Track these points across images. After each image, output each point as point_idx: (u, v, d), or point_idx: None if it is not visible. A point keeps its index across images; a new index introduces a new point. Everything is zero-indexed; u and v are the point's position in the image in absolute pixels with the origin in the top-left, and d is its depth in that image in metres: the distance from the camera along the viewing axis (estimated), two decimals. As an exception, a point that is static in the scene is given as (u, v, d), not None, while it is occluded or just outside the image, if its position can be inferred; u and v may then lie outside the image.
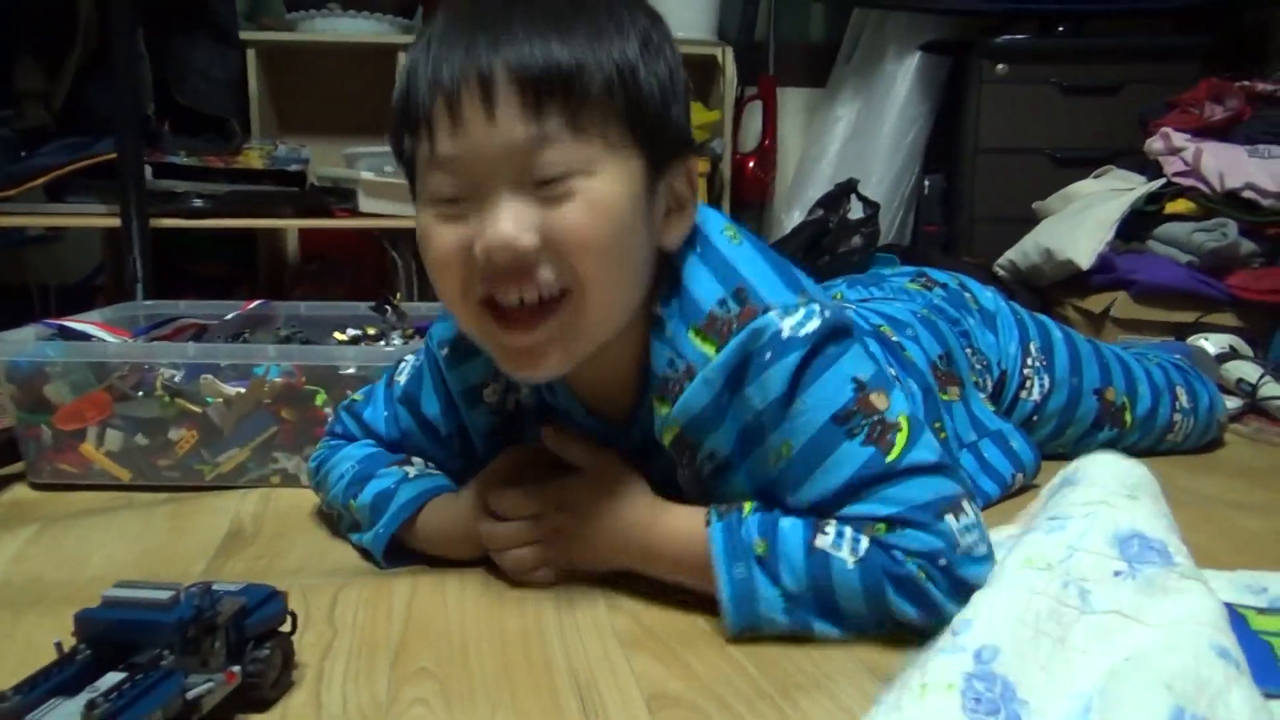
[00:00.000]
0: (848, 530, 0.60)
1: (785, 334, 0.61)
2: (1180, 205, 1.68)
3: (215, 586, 0.53)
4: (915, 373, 0.86)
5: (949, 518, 0.59)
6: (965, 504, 0.61)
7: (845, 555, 0.59)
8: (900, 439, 0.61)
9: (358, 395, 0.84)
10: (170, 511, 0.89)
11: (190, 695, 0.48)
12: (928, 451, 0.62)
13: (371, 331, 1.15)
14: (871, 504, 0.60)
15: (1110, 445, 1.02)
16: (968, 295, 1.02)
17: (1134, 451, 1.05)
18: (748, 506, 0.64)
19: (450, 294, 0.62)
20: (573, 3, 0.59)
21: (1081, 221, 1.71)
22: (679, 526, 0.66)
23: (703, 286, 0.64)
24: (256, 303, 1.19)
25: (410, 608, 0.66)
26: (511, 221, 0.57)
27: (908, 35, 2.27)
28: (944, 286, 1.03)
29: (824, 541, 0.60)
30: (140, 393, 0.94)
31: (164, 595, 0.50)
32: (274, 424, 0.95)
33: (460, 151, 0.58)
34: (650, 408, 0.68)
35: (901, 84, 2.26)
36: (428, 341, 0.78)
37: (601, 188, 0.58)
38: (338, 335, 1.14)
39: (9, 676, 0.47)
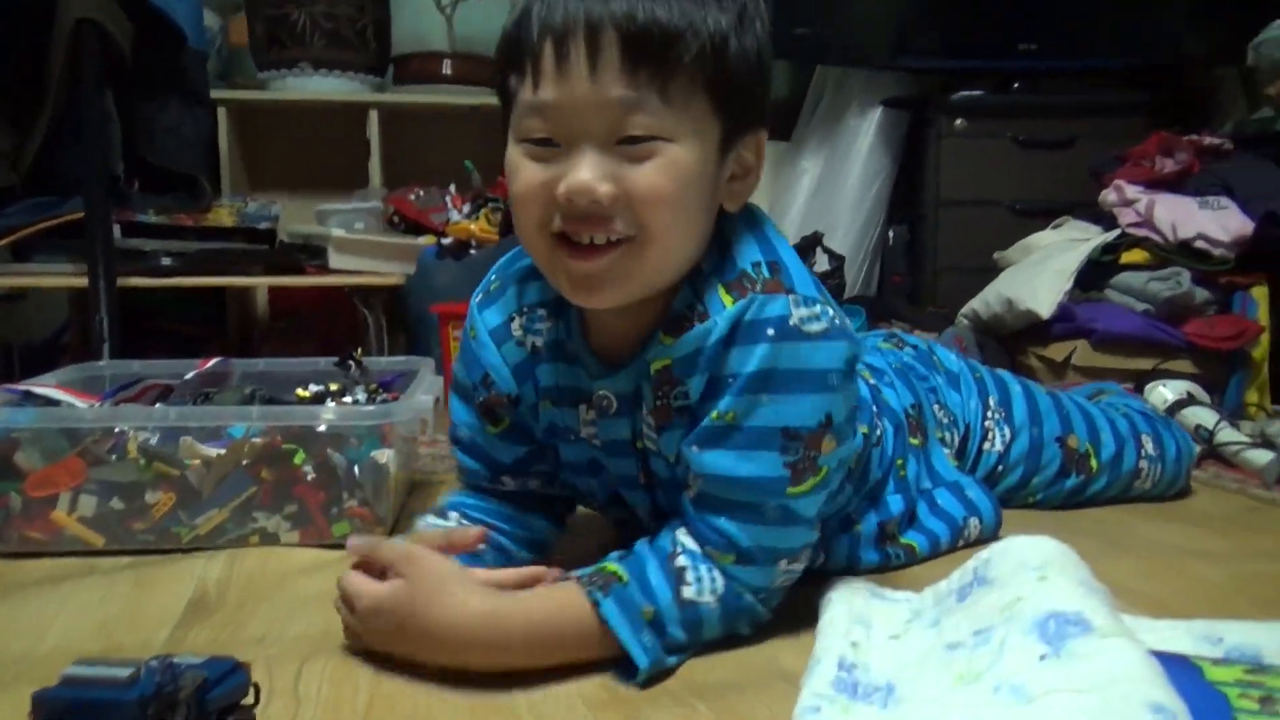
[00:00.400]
0: (703, 570, 0.68)
1: (792, 321, 0.66)
2: (1135, 255, 1.73)
3: (176, 660, 0.52)
4: (889, 413, 0.91)
5: (783, 563, 0.70)
6: (803, 554, 0.71)
7: (708, 599, 0.67)
8: (810, 483, 0.68)
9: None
10: (133, 578, 0.87)
11: (150, 775, 0.47)
12: (812, 507, 0.70)
13: (334, 387, 1.16)
14: (738, 529, 0.68)
15: (1078, 492, 1.06)
16: (935, 358, 1.06)
17: (1103, 499, 1.08)
18: (619, 573, 0.67)
19: (528, 225, 0.67)
20: None
21: (1041, 272, 1.75)
22: (539, 608, 0.65)
23: (744, 253, 0.70)
24: (214, 361, 1.19)
25: (377, 678, 0.66)
26: (594, 171, 0.63)
27: (868, 91, 2.33)
28: (914, 348, 1.07)
29: (689, 592, 0.67)
30: (114, 456, 0.93)
31: (123, 673, 0.49)
32: (253, 484, 0.95)
33: (559, 100, 0.63)
34: (647, 351, 0.72)
35: (864, 138, 2.32)
36: (470, 310, 0.81)
37: (679, 153, 0.64)
38: (300, 392, 1.14)
39: (-37, 760, 0.46)
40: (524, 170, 0.66)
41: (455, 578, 0.66)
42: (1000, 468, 1.03)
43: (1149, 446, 1.10)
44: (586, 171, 0.62)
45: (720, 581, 0.68)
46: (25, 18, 1.56)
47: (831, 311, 0.68)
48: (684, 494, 0.71)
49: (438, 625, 0.64)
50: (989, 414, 1.03)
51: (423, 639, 0.64)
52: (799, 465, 0.68)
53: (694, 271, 0.71)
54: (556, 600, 0.66)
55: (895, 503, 0.88)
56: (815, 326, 0.67)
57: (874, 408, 0.87)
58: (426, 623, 0.64)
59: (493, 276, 0.81)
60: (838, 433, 0.69)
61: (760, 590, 0.70)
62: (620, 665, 0.65)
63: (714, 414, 0.67)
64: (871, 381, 0.92)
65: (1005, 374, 1.10)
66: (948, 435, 0.99)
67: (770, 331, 0.66)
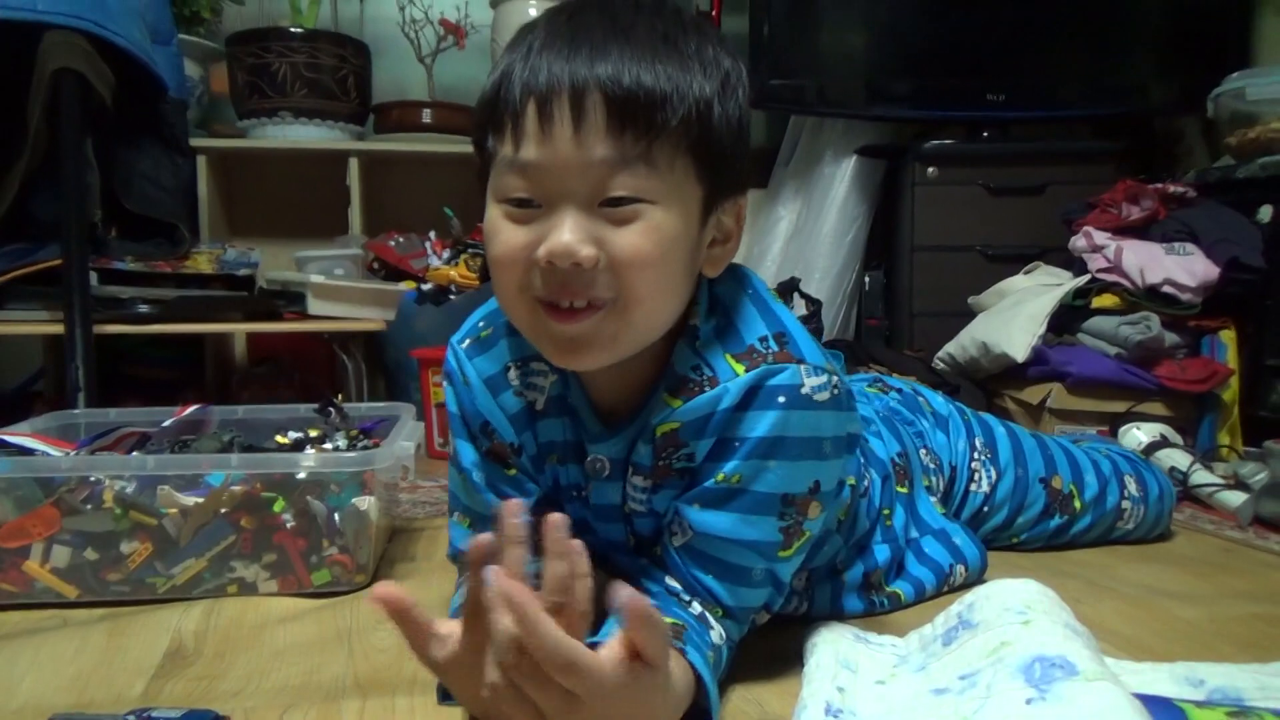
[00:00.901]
0: (711, 619, 0.69)
1: (804, 390, 0.67)
2: (1106, 300, 1.76)
3: (155, 714, 0.52)
4: (877, 463, 0.92)
5: (755, 617, 0.73)
6: (773, 607, 0.74)
7: (724, 646, 0.69)
8: (795, 545, 0.70)
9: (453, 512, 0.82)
10: (107, 629, 0.86)
11: (127, 834, 0.46)
12: (791, 570, 0.72)
13: (314, 433, 1.15)
14: (724, 590, 0.69)
15: (1061, 531, 1.08)
16: (921, 399, 1.08)
17: (1086, 540, 1.09)
18: (678, 620, 0.66)
19: (508, 288, 0.66)
20: (666, 38, 0.63)
21: (1015, 316, 1.77)
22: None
23: (749, 326, 0.70)
24: (193, 408, 1.18)
25: (358, 728, 0.65)
26: (575, 234, 0.61)
27: (843, 140, 2.37)
28: (899, 391, 1.08)
29: (714, 637, 0.68)
30: (89, 506, 0.92)
31: (102, 727, 0.48)
32: (232, 532, 0.93)
33: (541, 160, 0.62)
34: (649, 413, 0.71)
35: (839, 185, 2.36)
36: (448, 355, 0.79)
37: (662, 217, 0.63)
38: (280, 438, 1.13)
39: (-67, 821, 0.45)
40: (503, 232, 0.64)
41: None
42: (986, 508, 1.04)
43: (1131, 487, 1.11)
44: (568, 234, 0.61)
45: (723, 633, 0.69)
46: (4, 67, 1.57)
47: (835, 379, 0.69)
48: (668, 539, 0.71)
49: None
50: (975, 455, 1.04)
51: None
52: (790, 530, 0.69)
53: (688, 332, 0.70)
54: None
55: (882, 552, 0.88)
56: (822, 395, 0.67)
57: (861, 459, 0.88)
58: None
59: (480, 323, 0.79)
60: (823, 499, 0.70)
61: (738, 640, 0.72)
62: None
63: (719, 476, 0.67)
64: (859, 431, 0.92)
65: (989, 416, 1.11)
66: (934, 480, 1.00)
67: (781, 399, 0.66)
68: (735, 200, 0.70)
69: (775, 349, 0.68)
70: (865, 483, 0.87)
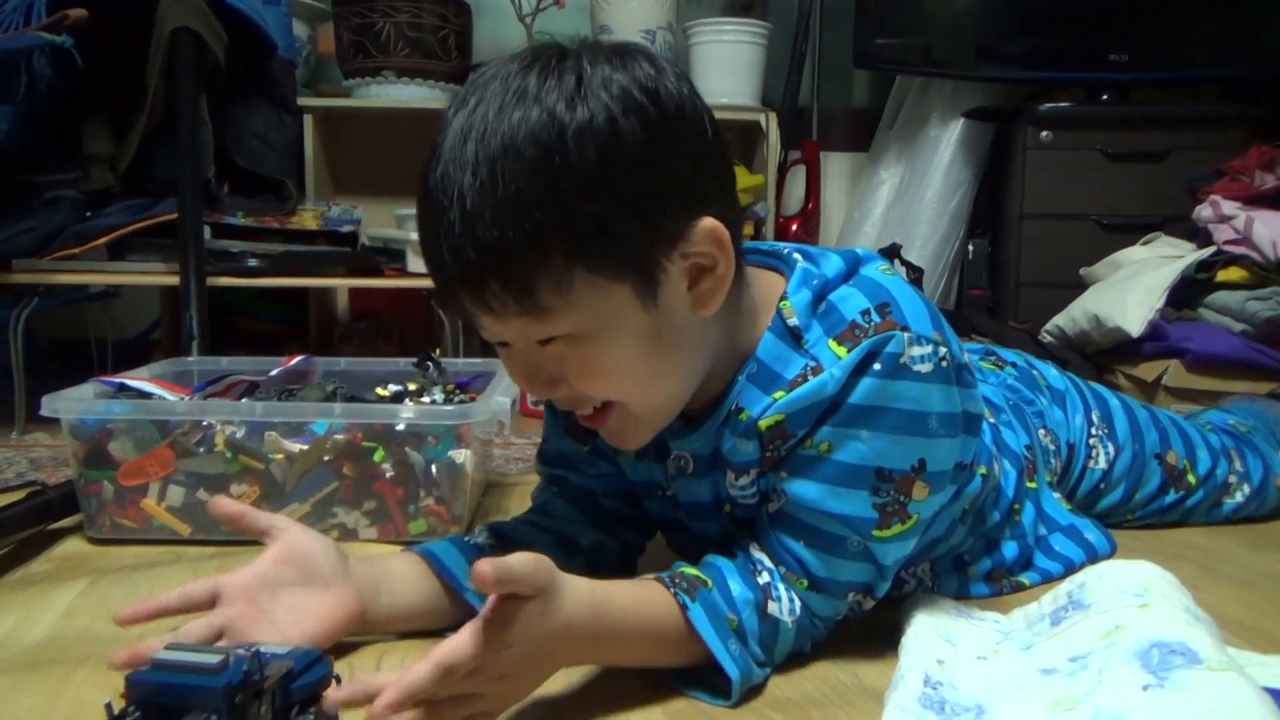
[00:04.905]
0: (782, 590, 0.66)
1: (902, 359, 0.63)
2: (1232, 273, 1.66)
3: (263, 649, 0.53)
4: (1010, 455, 0.87)
5: (851, 595, 0.68)
6: (876, 591, 0.69)
7: (785, 618, 0.66)
8: (897, 529, 0.66)
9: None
10: (217, 566, 0.89)
11: (236, 761, 0.48)
12: (894, 554, 0.67)
13: (413, 386, 1.17)
14: (815, 558, 0.66)
15: (1173, 508, 1.04)
16: (1036, 373, 1.03)
17: (1194, 517, 1.05)
18: (702, 576, 0.65)
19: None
20: (522, 157, 0.56)
21: (1131, 288, 1.69)
22: (629, 596, 0.61)
23: (850, 303, 0.66)
24: (298, 358, 1.21)
25: (453, 674, 0.66)
26: (533, 380, 0.64)
27: (950, 102, 2.29)
28: (1014, 365, 1.03)
29: (773, 609, 0.66)
30: (202, 448, 0.96)
31: (213, 659, 0.50)
32: (334, 480, 0.96)
33: (481, 324, 0.62)
34: (729, 402, 0.69)
35: (945, 149, 2.28)
36: None
37: (592, 339, 0.60)
38: (380, 390, 1.16)
39: (61, 737, 0.47)
40: (506, 362, 0.66)
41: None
42: (1103, 485, 1.00)
43: (1238, 463, 1.07)
44: (527, 381, 0.64)
45: (797, 604, 0.67)
46: (126, 28, 1.62)
47: (945, 350, 0.65)
48: (764, 507, 0.70)
49: (559, 625, 0.56)
50: (1093, 430, 1.00)
51: (555, 646, 0.57)
52: (887, 508, 0.65)
53: (789, 332, 0.67)
54: (646, 593, 0.62)
55: (1010, 549, 0.85)
56: (925, 366, 0.64)
57: (993, 449, 0.82)
58: (557, 624, 0.56)
59: None
60: (931, 480, 0.66)
61: (826, 619, 0.69)
62: (709, 684, 0.63)
63: (808, 442, 0.65)
64: (992, 420, 0.87)
65: (1100, 387, 1.06)
66: (1053, 462, 0.96)
67: (877, 366, 0.63)
68: (691, 225, 0.60)
69: (878, 320, 0.64)
70: (997, 473, 0.83)
